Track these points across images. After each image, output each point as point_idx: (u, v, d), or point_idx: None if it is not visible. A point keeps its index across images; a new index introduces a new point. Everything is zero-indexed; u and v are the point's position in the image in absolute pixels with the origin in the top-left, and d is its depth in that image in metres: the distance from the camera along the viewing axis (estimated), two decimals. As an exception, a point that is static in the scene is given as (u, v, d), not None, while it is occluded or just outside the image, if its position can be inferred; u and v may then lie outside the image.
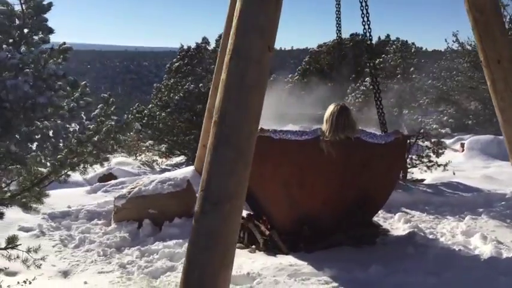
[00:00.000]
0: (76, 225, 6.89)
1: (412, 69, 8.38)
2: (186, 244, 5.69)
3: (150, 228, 6.52)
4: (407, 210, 7.30)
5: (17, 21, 3.97)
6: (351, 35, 21.73)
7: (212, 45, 12.54)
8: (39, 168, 4.64)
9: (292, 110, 8.70)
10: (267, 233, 5.71)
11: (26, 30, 4.04)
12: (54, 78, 3.43)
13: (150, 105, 14.44)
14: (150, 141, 13.69)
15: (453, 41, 15.86)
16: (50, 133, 3.78)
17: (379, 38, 14.90)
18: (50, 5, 4.02)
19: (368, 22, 5.37)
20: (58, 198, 7.93)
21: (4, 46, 3.40)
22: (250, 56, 3.79)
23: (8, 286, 4.54)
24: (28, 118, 3.30)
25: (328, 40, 21.45)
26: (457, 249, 5.55)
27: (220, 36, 12.52)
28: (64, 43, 4.35)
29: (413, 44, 11.19)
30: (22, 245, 4.46)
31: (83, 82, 4.11)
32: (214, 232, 3.55)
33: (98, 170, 11.15)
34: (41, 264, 4.56)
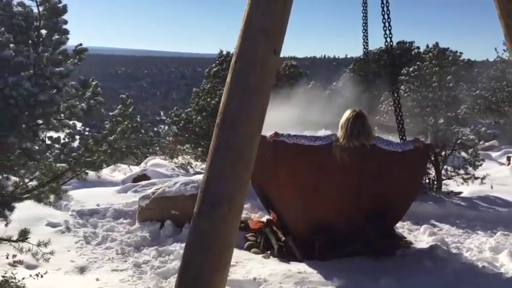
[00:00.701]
0: (102, 223, 7.05)
1: (449, 77, 8.08)
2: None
3: (171, 229, 6.59)
4: (436, 223, 7.03)
5: (35, 23, 4.15)
6: (398, 42, 21.31)
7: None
8: (58, 165, 4.82)
9: (327, 116, 8.57)
10: (283, 239, 5.66)
11: (43, 32, 4.22)
12: (58, 77, 3.53)
13: (188, 109, 14.67)
14: (187, 145, 13.90)
15: (504, 50, 15.26)
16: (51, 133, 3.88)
17: (427, 45, 14.48)
18: (65, 7, 4.16)
19: (389, 27, 5.24)
20: (89, 197, 8.20)
21: (12, 45, 3.53)
22: (254, 59, 3.77)
23: (23, 278, 4.66)
24: (31, 115, 3.41)
25: (375, 48, 21.10)
26: (480, 265, 5.28)
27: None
28: (80, 44, 4.49)
29: (451, 51, 10.79)
30: (40, 240, 4.66)
31: (94, 82, 4.22)
32: (210, 233, 3.55)
33: (134, 170, 11.47)
34: (49, 258, 4.73)
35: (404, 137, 5.08)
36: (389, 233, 6.03)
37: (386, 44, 5.25)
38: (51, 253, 4.46)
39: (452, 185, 9.11)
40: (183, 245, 5.90)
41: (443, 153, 8.53)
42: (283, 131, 5.06)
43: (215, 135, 3.76)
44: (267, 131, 4.70)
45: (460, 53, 11.50)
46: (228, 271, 3.73)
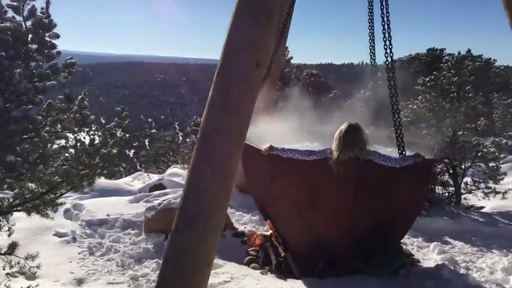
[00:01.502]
0: (109, 234, 7.08)
1: (468, 87, 7.77)
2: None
3: (174, 242, 6.54)
4: (450, 240, 6.75)
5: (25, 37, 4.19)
6: (429, 49, 20.80)
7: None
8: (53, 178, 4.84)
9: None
10: (283, 254, 5.54)
11: (33, 46, 4.26)
12: (33, 93, 3.54)
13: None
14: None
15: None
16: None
17: (459, 52, 13.94)
18: (51, 22, 4.19)
19: (389, 38, 5.06)
20: (101, 206, 8.25)
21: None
22: (236, 72, 3.70)
23: (15, 289, 4.67)
24: (6, 130, 3.43)
25: (404, 55, 20.67)
26: (487, 286, 5.02)
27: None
28: (70, 58, 4.52)
29: (477, 58, 10.35)
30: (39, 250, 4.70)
31: (80, 96, 4.23)
32: (185, 251, 3.47)
33: (153, 179, 11.51)
34: (35, 272, 4.78)
35: (403, 152, 4.87)
36: (395, 251, 5.83)
37: (386, 55, 5.06)
38: (38, 267, 4.48)
39: (473, 199, 8.74)
40: (183, 258, 5.88)
41: (463, 166, 8.20)
42: (295, 144, 4.95)
43: (194, 150, 3.70)
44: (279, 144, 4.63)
45: (494, 60, 11.08)
46: (205, 290, 3.64)
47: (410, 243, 6.51)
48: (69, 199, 9.65)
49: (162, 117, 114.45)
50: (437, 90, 8.01)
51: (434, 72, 8.20)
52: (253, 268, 5.58)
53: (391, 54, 5.06)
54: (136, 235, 7.05)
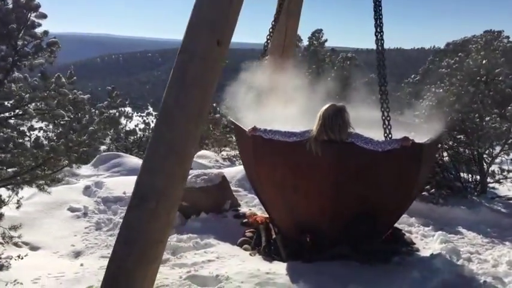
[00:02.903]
0: (121, 210, 7.27)
1: (498, 70, 7.25)
2: (194, 239, 5.76)
3: (178, 220, 6.64)
4: (463, 230, 6.43)
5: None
6: (485, 31, 19.60)
7: (305, 42, 12.32)
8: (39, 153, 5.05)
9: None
10: (274, 237, 5.51)
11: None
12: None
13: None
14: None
15: None
16: None
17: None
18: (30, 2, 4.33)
19: (380, 18, 4.82)
20: (121, 184, 8.49)
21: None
22: (195, 50, 3.67)
23: (9, 257, 4.91)
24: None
25: (458, 38, 19.63)
26: (482, 279, 4.75)
27: (313, 34, 12.24)
28: (54, 37, 4.67)
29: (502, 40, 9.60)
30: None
31: (57, 74, 4.36)
32: (136, 227, 3.52)
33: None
34: (17, 242, 5.05)
35: (389, 135, 4.65)
36: (392, 238, 5.66)
37: (376, 38, 4.81)
38: (19, 237, 4.70)
39: (503, 190, 8.26)
40: (180, 237, 6.01)
41: (488, 153, 7.76)
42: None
43: (154, 128, 3.72)
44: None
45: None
46: (157, 268, 3.67)
47: (416, 231, 6.26)
48: (93, 177, 10.07)
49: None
50: (463, 73, 7.57)
51: (460, 54, 7.76)
52: (245, 249, 5.58)
53: (380, 38, 4.83)
54: (146, 213, 7.21)
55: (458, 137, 7.89)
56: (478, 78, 7.38)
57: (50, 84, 4.27)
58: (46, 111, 4.83)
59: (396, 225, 6.36)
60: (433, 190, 7.19)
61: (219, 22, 3.68)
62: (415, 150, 4.66)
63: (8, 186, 5.28)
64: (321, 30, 11.99)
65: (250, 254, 5.40)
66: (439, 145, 6.06)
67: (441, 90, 7.79)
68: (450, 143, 7.99)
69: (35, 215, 6.77)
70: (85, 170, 11.01)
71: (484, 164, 7.85)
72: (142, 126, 34.40)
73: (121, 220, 6.80)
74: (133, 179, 9.05)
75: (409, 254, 5.46)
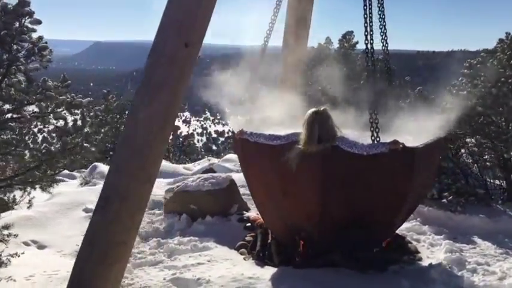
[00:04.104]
0: (135, 212, 7.41)
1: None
2: (193, 242, 5.78)
3: (185, 223, 6.68)
4: (478, 240, 6.07)
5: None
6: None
7: (335, 45, 12.08)
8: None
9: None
10: (269, 241, 5.43)
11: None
12: None
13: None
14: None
15: None
16: None
17: None
18: (19, 8, 4.49)
19: (371, 24, 4.67)
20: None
21: None
22: (163, 53, 3.69)
23: (10, 255, 5.09)
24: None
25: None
26: (480, 292, 4.48)
27: (343, 36, 12.02)
28: (46, 43, 4.82)
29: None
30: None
31: (43, 78, 4.49)
32: (99, 228, 3.57)
33: (203, 164, 11.81)
34: (8, 240, 5.23)
35: (377, 138, 4.46)
36: (394, 246, 5.44)
37: (366, 43, 4.64)
38: (10, 235, 4.86)
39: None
40: (182, 239, 6.06)
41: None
42: None
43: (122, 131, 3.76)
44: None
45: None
46: (121, 269, 3.69)
47: (424, 239, 5.99)
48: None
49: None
50: (487, 74, 7.19)
51: (482, 54, 7.37)
52: (241, 253, 5.53)
53: (370, 41, 4.68)
54: (158, 215, 7.30)
55: (483, 141, 7.50)
56: (503, 79, 6.97)
57: (37, 87, 4.40)
58: (45, 114, 4.99)
59: (404, 233, 6.13)
60: (451, 197, 6.85)
61: (186, 24, 3.68)
62: (407, 154, 4.46)
63: (19, 187, 5.49)
64: (352, 32, 11.77)
65: (244, 258, 5.35)
66: (441, 149, 5.75)
67: (465, 92, 7.43)
68: (475, 148, 7.61)
69: (50, 215, 7.02)
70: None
71: None
72: (199, 130, 35.13)
73: (132, 221, 6.98)
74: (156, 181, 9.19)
75: (409, 263, 5.23)
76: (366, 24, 4.69)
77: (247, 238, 5.86)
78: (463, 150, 7.84)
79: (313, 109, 4.51)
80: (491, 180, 7.97)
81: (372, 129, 4.49)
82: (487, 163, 7.52)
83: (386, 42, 5.49)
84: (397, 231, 5.99)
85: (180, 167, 11.47)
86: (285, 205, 4.84)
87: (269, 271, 4.83)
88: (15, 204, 5.57)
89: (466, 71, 7.50)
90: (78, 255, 3.64)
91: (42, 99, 4.43)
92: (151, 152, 3.62)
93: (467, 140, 7.72)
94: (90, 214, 7.03)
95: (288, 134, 4.57)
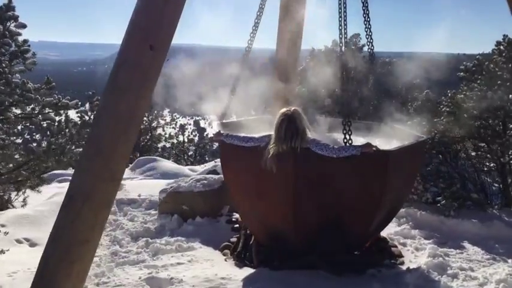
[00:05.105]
0: (131, 212, 7.51)
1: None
2: (179, 243, 5.85)
3: (176, 223, 6.75)
4: (467, 245, 5.99)
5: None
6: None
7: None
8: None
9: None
10: (251, 243, 5.47)
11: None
12: None
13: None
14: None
15: None
16: None
17: None
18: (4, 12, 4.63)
19: (345, 25, 4.68)
20: (139, 187, 8.78)
21: None
22: (127, 56, 3.77)
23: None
24: None
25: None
26: (454, 298, 4.43)
27: (350, 39, 11.96)
28: (29, 46, 4.96)
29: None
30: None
31: (22, 80, 4.63)
32: (62, 226, 3.66)
33: (208, 165, 11.88)
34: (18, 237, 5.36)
35: (349, 141, 4.44)
36: (375, 249, 5.41)
37: (340, 44, 4.64)
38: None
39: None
40: (169, 239, 6.13)
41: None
42: None
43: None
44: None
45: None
46: (84, 268, 3.77)
47: (410, 243, 5.93)
48: (127, 180, 10.45)
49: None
50: (483, 76, 7.08)
51: (478, 56, 7.25)
52: (224, 254, 5.58)
53: (343, 42, 4.68)
54: (153, 215, 7.39)
55: (481, 145, 7.39)
56: (500, 82, 6.86)
57: (14, 89, 4.54)
58: (33, 115, 5.14)
59: (392, 236, 6.09)
60: (444, 201, 6.76)
61: (152, 27, 3.75)
62: (380, 157, 4.45)
63: (13, 187, 5.66)
64: (359, 34, 11.72)
65: (226, 259, 5.39)
66: (422, 152, 5.68)
67: (462, 95, 7.33)
68: (473, 152, 7.50)
69: (47, 214, 7.16)
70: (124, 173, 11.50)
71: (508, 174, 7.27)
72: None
73: (127, 221, 7.10)
74: (152, 182, 9.36)
75: (390, 266, 5.19)
76: (340, 27, 4.69)
77: (232, 239, 5.89)
78: (462, 154, 7.73)
79: (283, 109, 4.52)
80: (495, 184, 7.83)
81: (344, 131, 4.49)
82: (484, 167, 7.39)
83: (372, 45, 5.49)
84: (383, 235, 5.98)
85: (185, 169, 11.59)
86: (261, 206, 4.87)
87: (245, 272, 4.86)
88: (9, 203, 5.75)
89: (462, 74, 7.40)
90: (44, 252, 3.74)
91: (20, 101, 4.56)
92: (115, 152, 3.70)
93: (466, 143, 7.61)
94: (86, 213, 7.26)
95: (262, 136, 4.60)
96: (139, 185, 8.93)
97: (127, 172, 11.58)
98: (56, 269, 3.59)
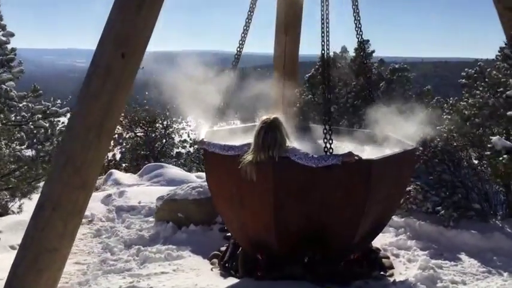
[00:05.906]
0: (129, 219, 7.54)
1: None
2: (169, 251, 5.82)
3: (170, 231, 6.73)
4: (464, 257, 5.81)
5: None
6: None
7: (351, 53, 11.86)
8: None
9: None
10: (237, 253, 5.40)
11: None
12: None
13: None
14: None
15: None
16: None
17: None
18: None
19: (327, 31, 4.58)
20: (141, 194, 8.80)
21: None
22: (100, 64, 3.77)
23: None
24: None
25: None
26: (439, 313, 4.29)
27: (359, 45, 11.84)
28: (15, 55, 5.01)
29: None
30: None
31: (4, 88, 4.68)
32: (31, 234, 3.66)
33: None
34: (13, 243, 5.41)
35: (330, 150, 4.34)
36: (364, 261, 5.29)
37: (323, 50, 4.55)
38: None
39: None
40: (160, 247, 6.11)
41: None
42: None
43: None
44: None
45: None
46: (53, 276, 3.76)
47: (403, 255, 5.78)
48: (134, 187, 10.48)
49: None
50: (485, 83, 6.89)
51: (479, 63, 7.05)
52: (212, 264, 5.53)
53: (327, 50, 4.60)
54: (150, 222, 7.39)
55: (483, 153, 7.18)
56: (501, 89, 6.66)
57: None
58: (23, 123, 5.19)
59: (386, 247, 5.96)
60: (443, 211, 6.58)
61: (124, 35, 3.74)
62: (363, 166, 4.34)
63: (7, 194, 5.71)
64: (368, 40, 11.58)
65: (212, 269, 5.34)
66: (412, 161, 5.51)
67: (462, 103, 7.16)
68: (475, 161, 7.31)
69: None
70: (132, 179, 11.56)
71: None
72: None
73: (124, 228, 7.11)
74: (155, 189, 9.34)
75: (378, 279, 5.06)
76: (322, 33, 4.61)
77: (222, 248, 5.84)
78: (465, 163, 7.53)
79: (264, 117, 4.45)
80: (502, 195, 7.62)
81: (324, 140, 4.40)
82: (487, 176, 7.18)
83: (364, 51, 5.43)
84: (377, 245, 5.85)
85: (192, 175, 11.56)
86: (243, 215, 4.81)
87: (228, 282, 4.81)
88: (9, 210, 5.81)
89: (464, 80, 7.22)
90: (14, 260, 3.74)
91: (2, 109, 4.60)
92: (86, 159, 3.69)
93: (469, 151, 7.42)
94: (85, 220, 7.29)
95: (242, 144, 4.54)
96: (141, 192, 8.95)
97: (135, 178, 11.64)
98: (24, 277, 3.60)
